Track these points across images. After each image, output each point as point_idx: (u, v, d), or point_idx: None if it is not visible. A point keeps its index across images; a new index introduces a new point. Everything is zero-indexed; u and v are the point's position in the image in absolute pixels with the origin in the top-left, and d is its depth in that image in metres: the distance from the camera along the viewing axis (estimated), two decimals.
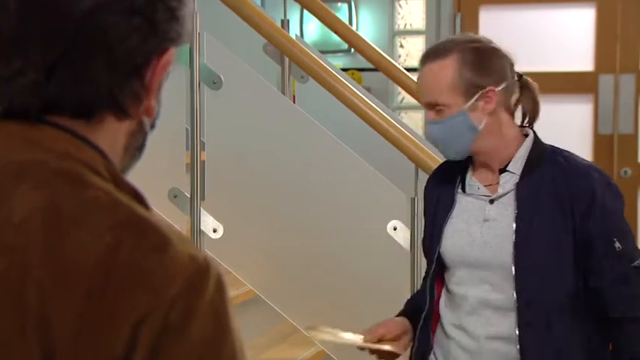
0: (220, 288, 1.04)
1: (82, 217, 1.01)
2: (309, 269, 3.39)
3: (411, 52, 6.20)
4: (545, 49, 5.93)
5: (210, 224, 3.28)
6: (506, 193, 2.35)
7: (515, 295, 2.29)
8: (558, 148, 2.43)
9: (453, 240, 2.38)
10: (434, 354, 2.46)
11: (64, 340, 0.98)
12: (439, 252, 2.40)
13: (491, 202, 2.36)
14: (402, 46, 6.22)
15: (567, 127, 5.94)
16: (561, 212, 2.29)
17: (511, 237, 2.30)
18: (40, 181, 1.03)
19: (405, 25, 6.22)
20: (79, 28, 1.05)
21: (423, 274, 2.56)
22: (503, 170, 2.37)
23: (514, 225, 2.31)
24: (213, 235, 3.28)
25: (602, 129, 5.94)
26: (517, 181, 2.34)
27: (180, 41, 1.12)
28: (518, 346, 2.28)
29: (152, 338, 0.98)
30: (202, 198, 3.29)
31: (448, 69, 2.33)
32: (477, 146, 2.35)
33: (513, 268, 2.28)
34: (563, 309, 2.31)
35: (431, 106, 2.34)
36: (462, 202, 2.41)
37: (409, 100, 5.59)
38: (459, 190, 2.42)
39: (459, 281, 2.38)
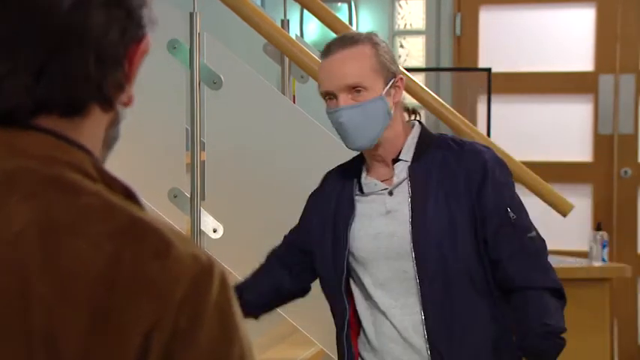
0: (224, 286, 1.02)
1: (78, 226, 0.99)
2: None
3: (411, 52, 6.20)
4: (545, 49, 5.93)
5: (210, 224, 3.28)
6: (402, 182, 2.39)
7: (416, 277, 2.33)
8: (449, 135, 2.52)
9: (360, 239, 2.41)
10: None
11: (73, 355, 0.96)
12: (348, 256, 2.41)
13: (390, 193, 2.40)
14: (402, 46, 6.22)
15: (567, 127, 5.94)
16: (455, 190, 2.35)
17: (408, 221, 2.35)
18: (30, 191, 1.01)
19: (405, 25, 6.23)
20: (64, 26, 1.04)
21: None
22: (395, 160, 2.41)
23: (409, 209, 2.35)
24: (213, 235, 3.28)
25: (602, 129, 5.94)
26: (407, 167, 2.39)
27: (152, 26, 1.12)
28: (424, 328, 2.33)
29: (163, 345, 0.97)
30: (202, 198, 3.29)
31: (367, 53, 2.37)
32: (384, 134, 2.38)
33: (412, 250, 2.33)
34: (465, 285, 2.34)
35: (348, 89, 2.34)
36: (363, 203, 2.43)
37: (409, 100, 5.58)
38: (357, 193, 2.44)
39: (372, 281, 2.40)
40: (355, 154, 2.51)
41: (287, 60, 4.02)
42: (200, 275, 1.00)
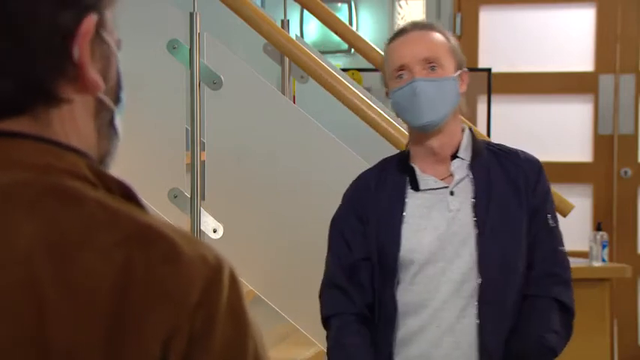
0: (234, 284, 1.02)
1: (85, 238, 0.96)
2: (310, 269, 3.39)
3: None
4: (545, 49, 5.93)
5: (210, 224, 3.28)
6: (462, 180, 2.38)
7: (478, 273, 2.31)
8: (490, 141, 2.55)
9: (418, 238, 2.36)
10: None
11: None
12: (399, 254, 2.36)
13: (452, 193, 2.37)
14: None
15: (567, 127, 5.94)
16: (515, 190, 2.36)
17: (472, 221, 2.34)
18: (32, 205, 0.97)
19: None
20: None
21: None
22: (453, 157, 2.40)
23: (472, 204, 2.34)
24: (213, 235, 3.28)
25: (602, 129, 5.94)
26: (467, 165, 2.39)
27: (101, 6, 1.03)
28: (477, 321, 2.31)
29: (181, 351, 0.96)
30: (202, 198, 3.29)
31: (442, 39, 2.41)
32: (448, 122, 2.38)
33: (476, 245, 2.31)
34: (517, 285, 2.36)
35: (424, 63, 2.35)
36: (415, 200, 2.39)
37: None
38: (410, 190, 2.40)
39: (424, 281, 2.35)
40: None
41: (287, 60, 4.02)
42: (211, 276, 0.99)
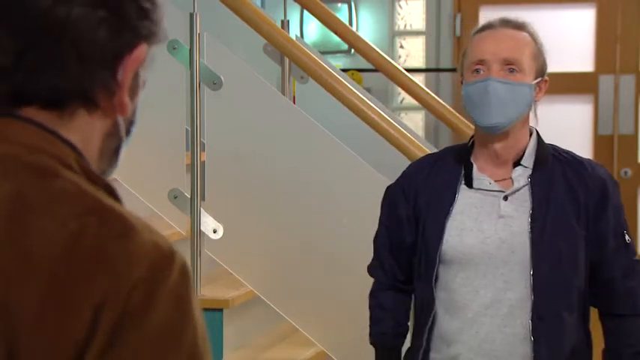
0: (184, 276, 1.04)
1: (47, 206, 1.03)
2: (310, 270, 3.39)
3: (411, 52, 6.20)
4: (545, 50, 5.93)
5: (210, 225, 3.28)
6: (520, 188, 2.32)
7: (531, 288, 2.27)
8: (556, 146, 2.45)
9: (462, 237, 2.31)
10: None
11: (26, 324, 0.99)
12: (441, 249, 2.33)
13: (505, 198, 2.32)
14: (402, 46, 6.22)
15: (567, 127, 5.94)
16: (575, 206, 2.31)
17: (527, 232, 2.28)
18: (9, 172, 1.05)
19: (405, 25, 6.23)
20: (45, 19, 1.06)
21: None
22: (516, 164, 2.34)
23: (529, 220, 2.29)
24: (213, 236, 3.28)
25: (602, 129, 5.94)
26: (529, 174, 2.32)
27: (154, 40, 1.13)
28: (532, 338, 2.27)
29: (113, 322, 0.99)
30: (202, 198, 3.29)
31: (529, 41, 2.36)
32: (516, 126, 2.32)
33: (531, 261, 2.27)
34: (574, 303, 2.33)
35: (504, 64, 2.29)
36: (466, 197, 2.34)
37: (409, 100, 5.59)
38: (463, 185, 2.35)
39: (464, 282, 2.31)
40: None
41: (287, 60, 4.02)
42: (159, 260, 1.03)
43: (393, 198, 2.45)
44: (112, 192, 1.09)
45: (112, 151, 1.16)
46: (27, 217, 1.02)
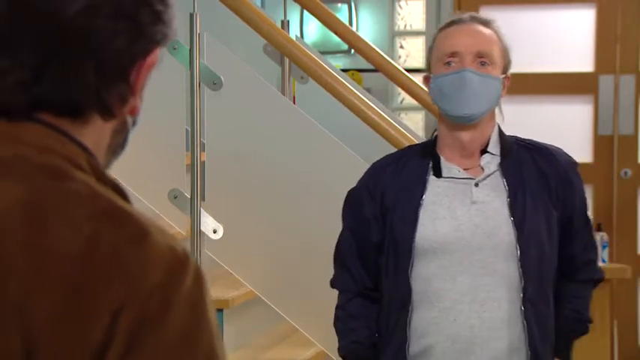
0: (199, 279, 1.04)
1: (61, 209, 1.02)
2: (310, 270, 3.39)
3: (411, 52, 6.20)
4: (545, 50, 5.93)
5: (210, 225, 3.28)
6: (491, 174, 2.36)
7: (520, 274, 2.30)
8: (517, 136, 2.50)
9: (435, 226, 2.33)
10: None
11: (44, 330, 0.99)
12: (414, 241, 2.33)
13: (476, 184, 2.35)
14: (402, 46, 6.22)
15: (567, 127, 5.94)
16: (546, 187, 2.37)
17: (507, 217, 2.32)
18: (22, 175, 1.04)
19: (405, 25, 6.23)
20: (68, 31, 1.06)
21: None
22: (483, 152, 2.38)
23: (508, 204, 2.32)
24: (213, 236, 3.28)
25: (602, 130, 5.94)
26: (499, 161, 2.37)
27: (165, 42, 1.15)
28: (525, 327, 2.31)
29: (130, 328, 0.99)
30: (202, 199, 3.29)
31: (496, 37, 2.40)
32: (486, 118, 2.38)
33: (517, 247, 2.30)
34: (551, 283, 2.39)
35: (476, 56, 2.33)
36: (435, 187, 2.36)
37: (409, 100, 5.59)
38: (431, 176, 2.37)
39: (439, 271, 2.32)
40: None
41: (287, 61, 4.02)
42: (174, 265, 1.02)
43: (358, 200, 2.45)
44: (120, 192, 1.09)
45: (117, 145, 1.17)
46: (42, 221, 1.02)
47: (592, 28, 5.93)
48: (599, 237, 4.79)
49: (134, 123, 1.18)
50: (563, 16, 5.98)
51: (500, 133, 2.43)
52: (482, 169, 2.37)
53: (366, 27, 6.17)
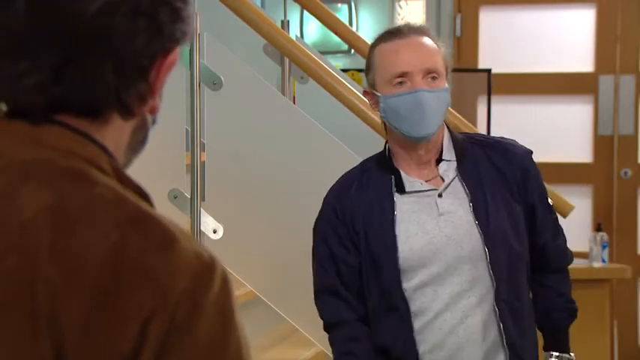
0: (225, 285, 1.04)
1: (88, 214, 1.02)
2: (310, 270, 3.39)
3: None
4: (545, 50, 5.93)
5: (210, 225, 3.28)
6: (451, 182, 2.35)
7: (491, 275, 2.31)
8: (467, 132, 2.53)
9: (409, 245, 2.32)
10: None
11: (73, 338, 0.98)
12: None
13: (440, 195, 2.34)
14: None
15: (567, 128, 5.94)
16: (505, 183, 2.37)
17: (472, 223, 2.32)
18: (46, 179, 1.04)
19: None
20: (87, 30, 1.05)
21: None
22: (438, 161, 2.37)
23: (471, 210, 2.33)
24: (213, 236, 3.28)
25: (602, 130, 5.94)
26: (455, 166, 2.36)
27: (185, 40, 1.13)
28: (501, 327, 2.32)
29: (160, 336, 0.99)
30: (202, 199, 3.29)
31: (435, 45, 2.37)
32: (438, 127, 2.36)
33: (485, 249, 2.30)
34: (524, 277, 2.40)
35: (426, 73, 2.30)
36: (401, 204, 2.35)
37: None
38: (395, 194, 2.35)
39: (419, 286, 2.32)
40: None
41: (287, 61, 4.02)
42: (201, 271, 1.02)
43: (329, 224, 2.41)
44: (142, 194, 1.09)
45: (138, 143, 1.16)
46: (69, 227, 1.01)
47: (592, 28, 5.93)
48: (599, 237, 4.79)
49: (154, 121, 1.18)
50: (563, 16, 5.98)
51: (452, 136, 2.41)
52: (442, 178, 2.36)
53: (366, 27, 6.17)
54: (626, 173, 5.91)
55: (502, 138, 2.48)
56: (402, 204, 2.35)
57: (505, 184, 2.36)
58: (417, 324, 2.34)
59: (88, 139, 1.07)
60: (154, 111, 1.14)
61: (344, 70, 5.38)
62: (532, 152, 2.46)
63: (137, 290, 0.99)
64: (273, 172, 3.40)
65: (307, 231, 3.39)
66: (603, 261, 4.79)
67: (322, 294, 2.45)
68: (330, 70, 3.58)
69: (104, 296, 0.99)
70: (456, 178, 2.36)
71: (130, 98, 1.09)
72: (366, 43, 4.35)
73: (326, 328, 2.47)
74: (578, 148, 5.96)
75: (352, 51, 5.43)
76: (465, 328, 2.33)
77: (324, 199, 2.47)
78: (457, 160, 2.36)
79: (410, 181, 2.36)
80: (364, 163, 2.51)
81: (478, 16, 6.01)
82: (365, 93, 2.45)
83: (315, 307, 2.50)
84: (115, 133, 1.10)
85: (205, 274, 1.02)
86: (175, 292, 1.00)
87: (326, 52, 5.50)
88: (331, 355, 3.42)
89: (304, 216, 3.39)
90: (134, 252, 1.00)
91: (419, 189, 2.35)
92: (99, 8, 1.05)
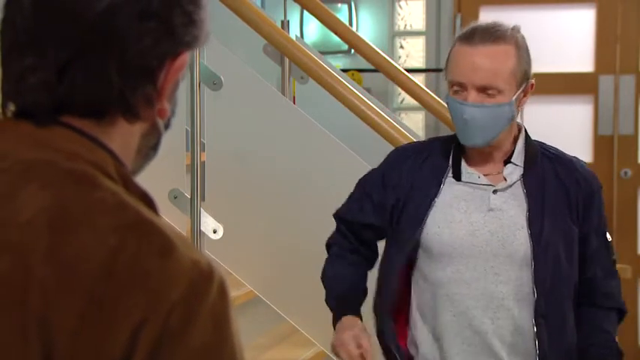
0: (223, 293, 1.03)
1: (87, 218, 1.01)
2: (310, 270, 3.39)
3: (411, 52, 6.20)
4: (546, 50, 5.93)
5: (210, 225, 3.28)
6: (512, 184, 2.33)
7: (533, 287, 2.27)
8: (543, 143, 2.47)
9: (451, 230, 2.31)
10: (406, 353, 2.39)
11: (64, 339, 0.98)
12: (420, 242, 2.32)
13: (495, 192, 2.32)
14: (402, 46, 6.22)
15: (567, 128, 5.94)
16: (567, 202, 2.33)
17: (524, 228, 2.28)
18: (48, 181, 1.03)
19: (405, 25, 6.23)
20: (93, 29, 1.05)
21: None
22: (507, 162, 2.35)
23: (527, 216, 2.29)
24: (213, 236, 3.28)
25: (602, 130, 5.94)
26: (521, 172, 2.33)
27: (196, 44, 1.11)
28: (536, 341, 2.28)
29: (151, 342, 0.98)
30: (202, 199, 3.29)
31: (510, 54, 2.32)
32: (500, 137, 2.33)
33: (532, 259, 2.27)
34: (572, 300, 2.35)
35: (483, 88, 2.26)
36: (453, 190, 2.34)
37: (409, 101, 5.60)
38: (449, 178, 2.35)
39: (454, 275, 2.30)
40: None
41: (287, 61, 4.02)
42: (198, 280, 1.01)
43: (369, 185, 2.46)
44: (148, 202, 1.08)
45: (149, 148, 1.16)
46: (67, 230, 1.01)
47: (592, 28, 5.93)
48: None
49: (167, 127, 1.18)
50: (563, 16, 5.98)
51: (527, 142, 2.39)
52: (505, 178, 2.34)
53: (366, 27, 6.17)
54: (626, 173, 5.91)
55: (576, 157, 2.44)
56: (454, 190, 2.34)
57: (566, 203, 2.33)
58: (445, 315, 2.33)
59: (95, 143, 1.07)
60: (163, 115, 1.13)
61: (344, 70, 5.38)
62: (602, 186, 2.42)
63: (130, 295, 0.98)
64: (273, 172, 3.41)
65: (307, 230, 3.40)
66: None
67: (337, 230, 2.56)
68: (330, 70, 3.58)
69: (97, 300, 0.98)
70: (519, 182, 2.33)
71: (135, 100, 1.08)
72: (366, 43, 4.36)
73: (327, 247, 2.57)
74: (578, 148, 5.96)
75: (352, 51, 5.44)
76: (494, 330, 2.30)
77: (385, 159, 2.49)
78: (524, 167, 2.34)
79: (468, 171, 2.35)
80: (430, 141, 2.51)
81: (478, 16, 6.01)
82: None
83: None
84: (121, 136, 1.10)
85: (202, 282, 1.01)
86: (170, 299, 0.99)
87: (326, 52, 5.50)
88: (331, 355, 3.42)
89: (304, 216, 3.40)
90: (130, 257, 1.00)
91: (475, 181, 2.33)
92: (105, 8, 1.05)
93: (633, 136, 5.93)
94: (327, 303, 2.46)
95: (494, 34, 2.31)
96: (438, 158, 2.38)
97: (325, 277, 2.54)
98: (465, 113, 2.26)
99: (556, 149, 2.44)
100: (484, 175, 2.35)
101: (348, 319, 2.35)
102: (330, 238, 2.58)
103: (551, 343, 2.29)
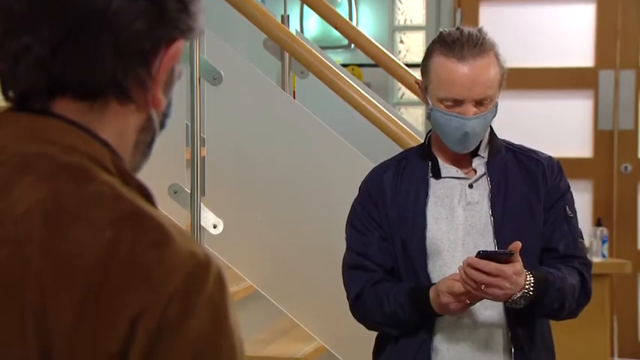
0: (221, 284, 1.03)
1: (83, 211, 1.01)
2: (310, 265, 3.40)
3: (411, 47, 6.20)
4: (546, 45, 5.93)
5: (210, 220, 3.28)
6: (482, 176, 2.40)
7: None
8: (508, 140, 2.52)
9: (439, 226, 2.38)
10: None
11: (61, 333, 0.98)
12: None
13: (470, 186, 2.40)
14: (402, 41, 6.22)
15: (567, 122, 5.94)
16: (532, 185, 2.41)
17: (489, 216, 2.37)
18: (44, 174, 1.03)
19: (405, 20, 6.23)
20: (85, 8, 1.05)
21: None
22: (474, 155, 2.42)
23: (489, 197, 2.37)
24: (213, 231, 3.28)
25: (602, 125, 5.94)
26: (484, 162, 2.41)
27: (190, 34, 1.12)
28: (507, 326, 2.34)
29: (149, 334, 0.98)
30: (202, 194, 3.29)
31: (494, 62, 2.37)
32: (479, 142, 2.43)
33: (496, 245, 2.34)
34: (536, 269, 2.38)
35: (479, 101, 2.33)
36: (436, 188, 2.41)
37: (409, 95, 5.60)
38: (431, 179, 2.41)
39: (442, 270, 2.35)
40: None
41: (287, 55, 4.02)
42: (196, 271, 1.01)
43: (361, 205, 2.45)
44: (146, 194, 1.08)
45: (145, 145, 1.15)
46: (63, 223, 1.01)
47: (592, 24, 5.93)
48: (599, 232, 4.80)
49: (162, 125, 1.17)
50: (563, 12, 5.98)
51: (491, 137, 2.46)
52: (475, 170, 2.42)
53: (366, 22, 6.17)
54: (626, 168, 5.92)
55: (538, 150, 2.51)
56: (437, 189, 2.41)
57: (533, 186, 2.41)
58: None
59: (90, 136, 1.07)
60: (157, 105, 1.12)
61: (344, 65, 5.38)
62: (561, 167, 2.48)
63: (128, 288, 0.98)
64: (273, 167, 3.41)
65: (307, 225, 3.40)
66: (603, 256, 4.80)
67: (347, 268, 2.49)
68: (330, 65, 3.58)
69: (94, 293, 0.98)
70: (485, 173, 2.41)
71: (128, 81, 1.08)
72: (366, 38, 4.36)
73: (354, 301, 2.46)
74: (578, 143, 5.96)
75: (352, 46, 5.44)
76: (483, 320, 2.36)
77: (360, 185, 2.50)
78: (488, 156, 2.42)
79: (446, 167, 2.42)
80: (404, 152, 2.58)
81: (478, 11, 6.01)
82: (417, 84, 2.48)
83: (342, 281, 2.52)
84: (115, 122, 1.09)
85: (199, 273, 1.01)
86: (167, 291, 0.99)
87: (326, 47, 5.50)
88: (331, 350, 3.42)
89: (304, 211, 3.40)
90: (127, 249, 0.99)
91: (454, 175, 2.41)
92: None
93: (633, 131, 5.93)
94: (408, 315, 2.36)
95: (478, 46, 2.35)
96: (417, 163, 2.44)
97: (381, 306, 2.41)
98: (467, 127, 2.33)
99: (520, 145, 2.51)
100: (461, 169, 2.43)
101: (433, 289, 2.30)
102: (353, 288, 2.46)
103: (524, 329, 2.35)
